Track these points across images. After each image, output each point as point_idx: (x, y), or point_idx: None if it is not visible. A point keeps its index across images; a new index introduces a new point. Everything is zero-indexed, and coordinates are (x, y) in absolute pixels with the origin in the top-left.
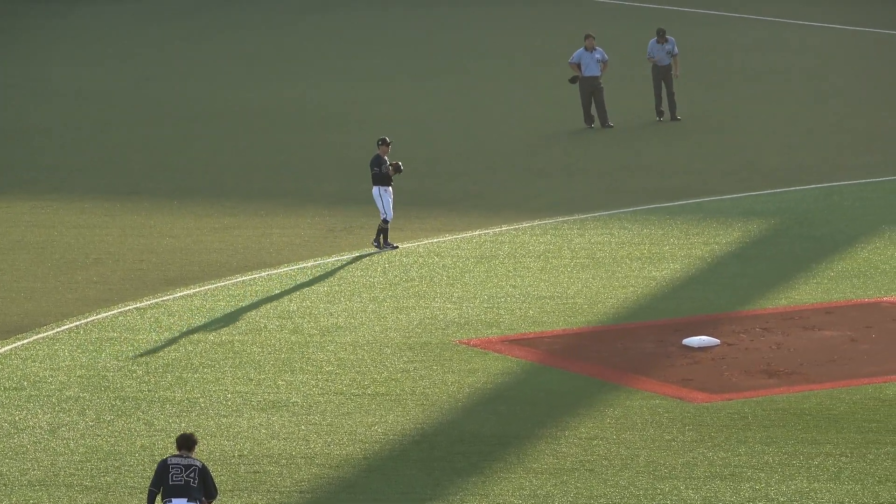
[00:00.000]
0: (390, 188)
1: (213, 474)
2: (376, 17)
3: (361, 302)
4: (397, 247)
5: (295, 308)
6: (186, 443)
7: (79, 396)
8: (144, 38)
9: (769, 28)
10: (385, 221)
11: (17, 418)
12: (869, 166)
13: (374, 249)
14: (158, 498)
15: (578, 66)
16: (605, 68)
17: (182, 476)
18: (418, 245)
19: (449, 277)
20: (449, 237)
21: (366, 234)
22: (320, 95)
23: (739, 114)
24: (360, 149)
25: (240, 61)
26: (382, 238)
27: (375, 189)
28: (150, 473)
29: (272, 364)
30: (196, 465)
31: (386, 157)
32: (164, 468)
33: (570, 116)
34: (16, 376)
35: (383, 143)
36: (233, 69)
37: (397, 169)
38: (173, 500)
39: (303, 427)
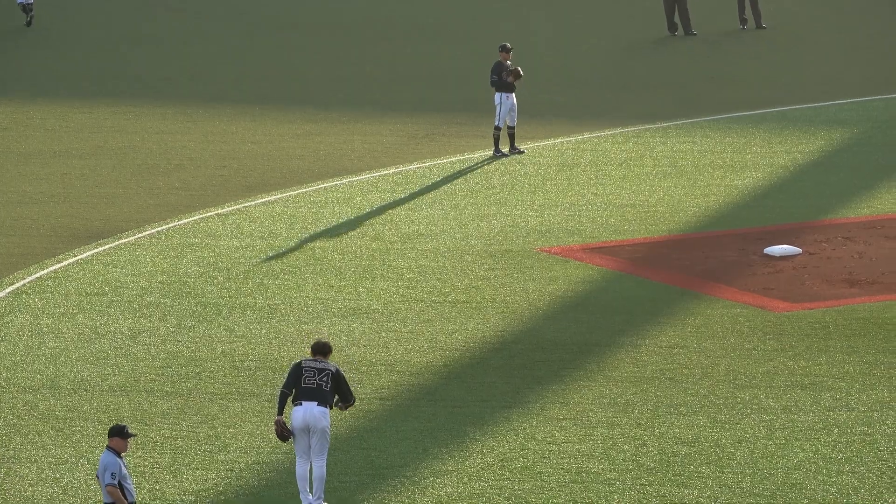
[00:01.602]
0: (512, 95)
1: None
2: None
3: (443, 209)
4: (524, 151)
5: (376, 215)
6: (322, 349)
7: (160, 302)
8: None
9: None
10: (499, 128)
11: (98, 324)
12: None
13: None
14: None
15: None
16: None
17: (315, 379)
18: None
19: (530, 185)
20: (530, 144)
21: (447, 142)
22: (403, 7)
23: (823, 22)
24: (442, 58)
25: None
26: (510, 143)
27: (496, 96)
28: (231, 379)
29: (353, 271)
30: (330, 370)
31: (508, 63)
32: (297, 370)
33: (653, 24)
34: (97, 282)
35: (503, 49)
36: None
37: (517, 75)
38: (304, 402)
39: (383, 334)
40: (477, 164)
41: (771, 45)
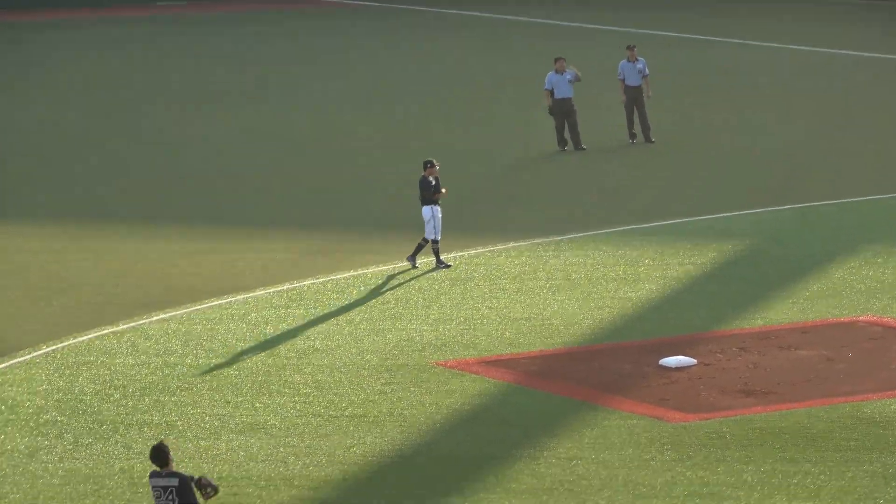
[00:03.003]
0: (437, 208)
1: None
2: (346, 35)
3: (337, 324)
4: (450, 265)
5: (271, 331)
6: (157, 458)
7: (56, 420)
8: (105, 68)
9: (739, 50)
10: (428, 240)
11: None
12: (843, 186)
13: (413, 267)
14: None
15: (551, 92)
16: (577, 80)
17: (162, 500)
18: (394, 267)
19: (425, 300)
20: (424, 259)
21: (341, 257)
22: (296, 121)
23: (713, 135)
24: (333, 173)
25: (206, 89)
26: (435, 257)
27: (426, 209)
28: (130, 496)
29: (249, 387)
30: (173, 485)
31: (431, 178)
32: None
33: (544, 139)
34: None
35: (430, 164)
36: (200, 96)
37: (437, 190)
38: None
39: (281, 449)
40: (371, 279)
41: (660, 158)
